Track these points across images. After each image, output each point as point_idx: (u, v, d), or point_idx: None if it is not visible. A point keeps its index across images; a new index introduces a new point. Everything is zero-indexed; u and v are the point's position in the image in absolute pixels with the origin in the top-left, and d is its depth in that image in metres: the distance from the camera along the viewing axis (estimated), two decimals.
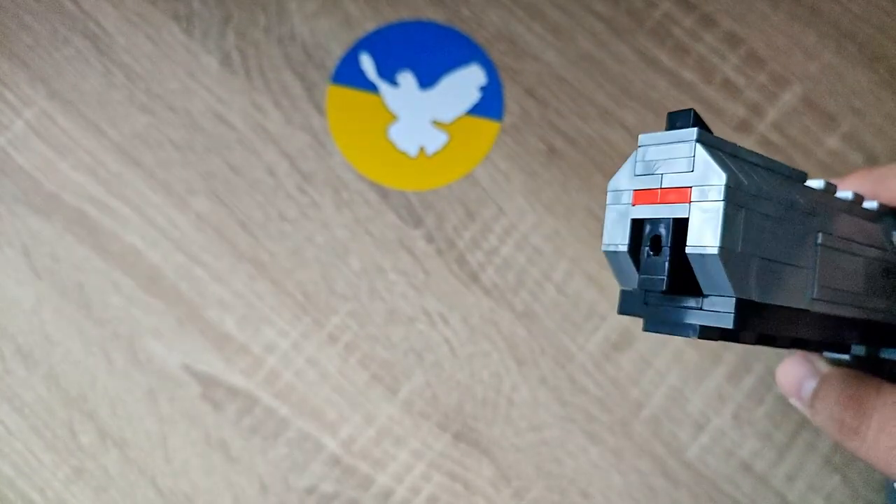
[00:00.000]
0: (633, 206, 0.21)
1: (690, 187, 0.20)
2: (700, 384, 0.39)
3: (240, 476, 0.39)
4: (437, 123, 0.42)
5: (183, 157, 0.42)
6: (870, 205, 0.26)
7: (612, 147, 0.41)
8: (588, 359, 0.39)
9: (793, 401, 0.30)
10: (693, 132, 0.20)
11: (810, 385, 0.29)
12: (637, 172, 0.21)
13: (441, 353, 0.40)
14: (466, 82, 0.42)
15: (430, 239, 0.40)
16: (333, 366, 0.40)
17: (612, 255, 0.22)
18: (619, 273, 0.22)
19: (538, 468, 0.38)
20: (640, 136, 0.21)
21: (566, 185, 0.41)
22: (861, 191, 0.29)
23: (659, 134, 0.21)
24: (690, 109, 0.20)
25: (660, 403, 0.39)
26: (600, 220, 0.40)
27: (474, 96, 0.42)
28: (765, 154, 0.24)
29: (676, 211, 0.20)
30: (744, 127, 0.41)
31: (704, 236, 0.19)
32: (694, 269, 0.20)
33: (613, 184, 0.22)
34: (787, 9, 0.42)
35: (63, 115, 0.42)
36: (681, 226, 0.20)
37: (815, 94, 0.41)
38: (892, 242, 0.26)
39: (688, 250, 0.20)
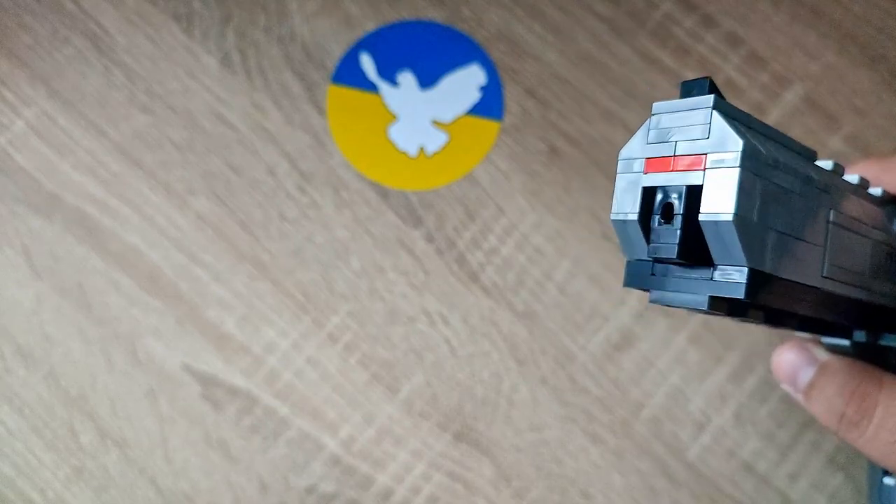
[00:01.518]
0: (645, 174, 0.21)
1: (706, 154, 0.19)
2: (701, 384, 0.39)
3: (240, 476, 0.39)
4: (437, 123, 0.41)
5: (183, 157, 0.42)
6: (874, 191, 0.26)
7: (614, 147, 0.41)
8: (589, 359, 0.39)
9: (785, 386, 0.29)
10: (710, 99, 0.20)
11: (807, 374, 0.28)
12: (650, 140, 0.21)
13: (441, 353, 0.40)
14: (466, 82, 0.42)
15: (430, 239, 0.40)
16: (333, 366, 0.40)
17: (620, 225, 0.21)
18: (627, 243, 0.22)
19: (538, 468, 0.38)
20: (654, 105, 0.21)
21: (567, 185, 0.41)
22: (868, 177, 0.28)
23: (674, 102, 0.20)
24: (707, 77, 0.20)
25: (661, 403, 0.39)
26: (602, 221, 0.40)
27: (474, 96, 0.42)
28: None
29: (690, 178, 0.20)
30: None
31: (719, 203, 0.19)
32: (706, 237, 0.19)
33: (625, 152, 0.21)
34: (788, 9, 0.42)
35: (63, 115, 0.42)
36: (694, 193, 0.20)
37: (817, 94, 0.41)
38: (895, 229, 0.26)
39: (701, 217, 0.19)
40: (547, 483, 0.38)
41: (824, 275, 0.22)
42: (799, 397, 0.29)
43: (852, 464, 0.37)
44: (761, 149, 0.19)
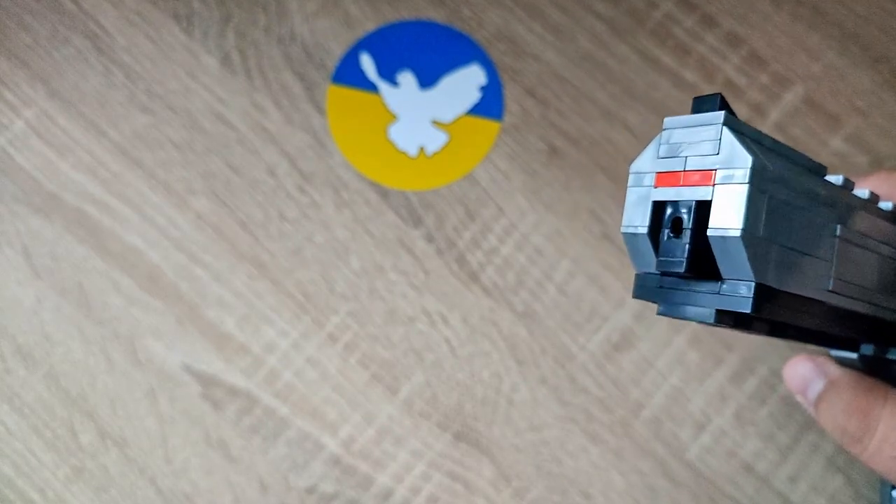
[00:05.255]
0: (655, 188, 0.21)
1: (715, 170, 0.20)
2: (701, 385, 0.39)
3: (240, 476, 0.39)
4: (437, 123, 0.41)
5: (183, 157, 0.42)
6: (885, 205, 0.26)
7: (614, 147, 0.41)
8: (589, 359, 0.39)
9: (798, 398, 0.30)
10: (720, 115, 0.20)
11: (817, 387, 0.29)
12: (661, 155, 0.21)
13: (441, 353, 0.40)
14: (466, 82, 0.42)
15: (430, 239, 0.40)
16: (333, 366, 0.40)
17: (630, 238, 0.22)
18: (637, 256, 0.22)
19: (538, 468, 0.38)
20: (666, 120, 0.21)
21: (567, 184, 0.41)
22: (879, 191, 0.28)
23: (684, 117, 0.21)
24: (717, 94, 0.20)
25: (661, 403, 0.39)
26: (602, 221, 0.40)
27: (474, 96, 0.42)
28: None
29: (699, 193, 0.20)
30: None
31: (727, 218, 0.19)
32: (714, 251, 0.20)
33: (636, 166, 0.22)
34: (789, 9, 0.41)
35: (63, 115, 0.42)
36: (703, 208, 0.20)
37: (818, 94, 0.41)
38: None
39: (709, 232, 0.19)
40: (547, 483, 0.38)
41: (830, 289, 0.22)
42: (810, 409, 0.29)
43: (852, 466, 0.37)
44: (769, 165, 0.20)
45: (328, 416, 0.39)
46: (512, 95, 0.41)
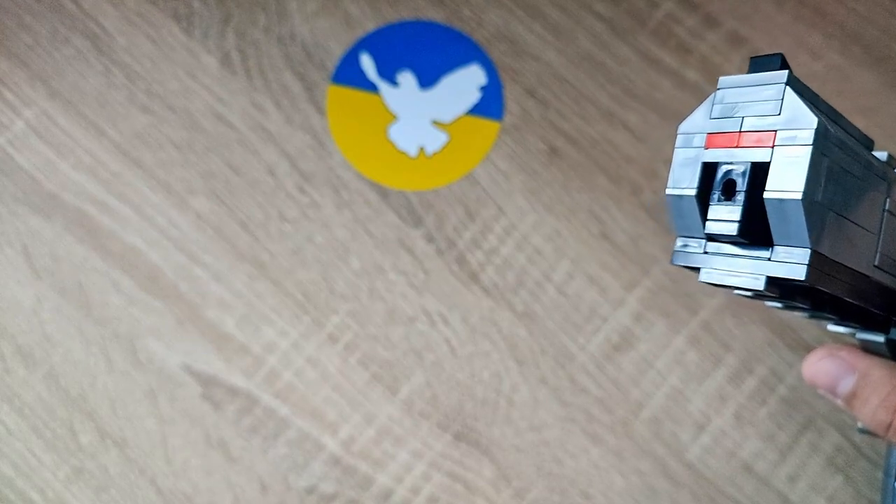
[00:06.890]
0: (706, 149, 0.20)
1: (775, 131, 0.19)
2: (701, 385, 0.39)
3: (240, 476, 0.39)
4: (437, 123, 0.41)
5: (183, 157, 0.42)
6: None
7: (615, 147, 0.40)
8: (589, 359, 0.39)
9: (821, 392, 0.29)
10: (783, 75, 0.19)
11: (847, 383, 0.28)
12: (714, 115, 0.20)
13: (441, 353, 0.40)
14: (466, 82, 0.42)
15: (430, 239, 0.40)
16: (333, 366, 0.40)
17: (676, 200, 0.21)
18: (680, 219, 0.21)
19: (538, 468, 0.38)
20: (721, 79, 0.20)
21: (567, 185, 0.40)
22: None
23: (742, 76, 0.20)
24: (779, 53, 0.19)
25: (661, 404, 0.39)
26: (602, 221, 0.40)
27: (474, 96, 0.41)
28: None
29: (756, 155, 0.19)
30: None
31: (787, 181, 0.18)
32: (769, 216, 0.19)
33: (685, 126, 0.21)
34: (791, 9, 0.41)
35: (63, 115, 0.42)
36: (759, 170, 0.19)
37: (822, 93, 0.40)
38: None
39: (766, 195, 0.18)
40: (547, 483, 0.38)
41: (876, 264, 0.21)
42: (838, 402, 0.29)
43: (851, 466, 0.37)
44: (831, 129, 0.19)
45: (328, 416, 0.39)
46: (512, 95, 0.41)
